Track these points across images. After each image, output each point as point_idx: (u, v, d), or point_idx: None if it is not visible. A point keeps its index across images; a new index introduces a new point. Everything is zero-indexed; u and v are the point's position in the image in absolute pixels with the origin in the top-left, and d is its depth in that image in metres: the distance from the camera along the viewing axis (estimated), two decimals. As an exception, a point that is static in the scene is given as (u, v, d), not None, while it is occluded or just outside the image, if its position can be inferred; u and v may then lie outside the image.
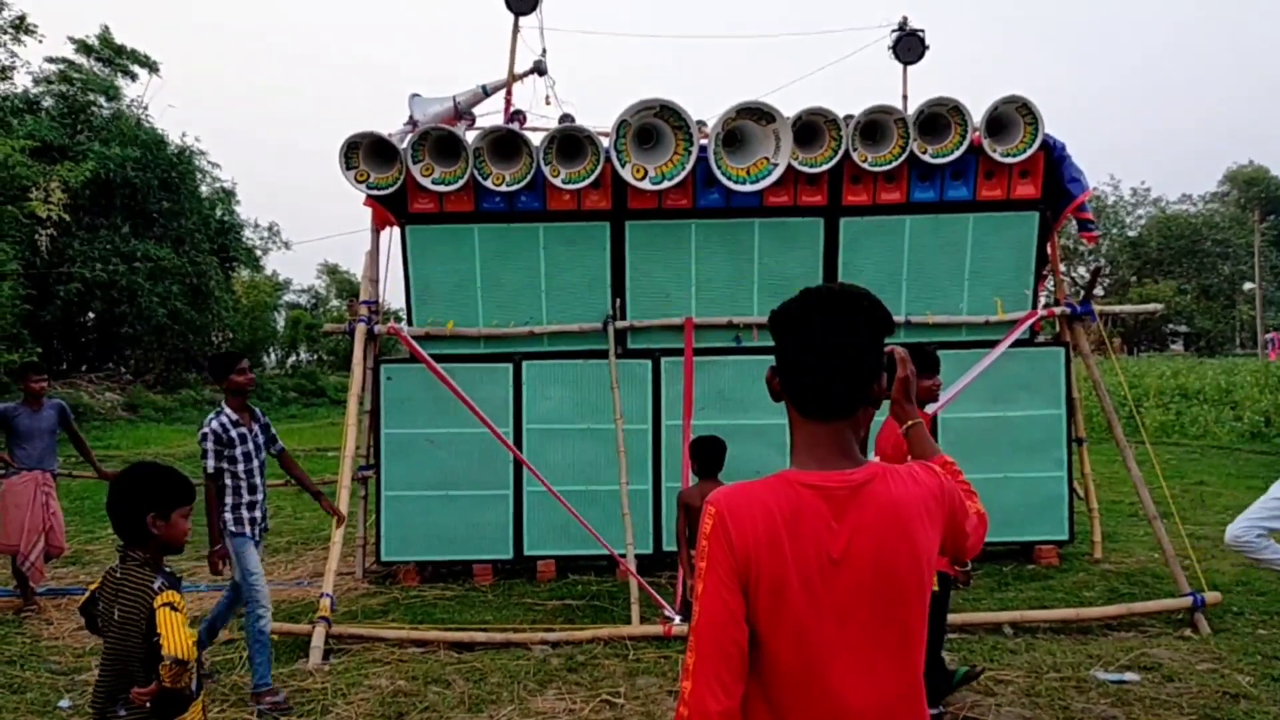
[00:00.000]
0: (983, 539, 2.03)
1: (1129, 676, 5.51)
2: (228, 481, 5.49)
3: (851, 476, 1.74)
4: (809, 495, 1.72)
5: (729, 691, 1.66)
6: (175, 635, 2.98)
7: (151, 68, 29.96)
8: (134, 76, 29.74)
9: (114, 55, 28.86)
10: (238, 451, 5.52)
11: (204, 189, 32.86)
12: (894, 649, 1.75)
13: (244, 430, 5.59)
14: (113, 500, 3.15)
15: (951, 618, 5.73)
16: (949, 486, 1.90)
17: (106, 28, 28.82)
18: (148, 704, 3.04)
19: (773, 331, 1.86)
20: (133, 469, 3.27)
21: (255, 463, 5.62)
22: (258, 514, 5.63)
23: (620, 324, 8.09)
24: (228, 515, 5.49)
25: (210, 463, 5.44)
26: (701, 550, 1.72)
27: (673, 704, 5.19)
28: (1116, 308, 11.85)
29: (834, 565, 1.70)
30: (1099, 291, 45.39)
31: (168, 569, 3.21)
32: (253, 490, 5.59)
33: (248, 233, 37.70)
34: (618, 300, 8.15)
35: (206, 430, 5.46)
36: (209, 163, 33.27)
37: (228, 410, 5.58)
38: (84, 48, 28.22)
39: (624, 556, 7.08)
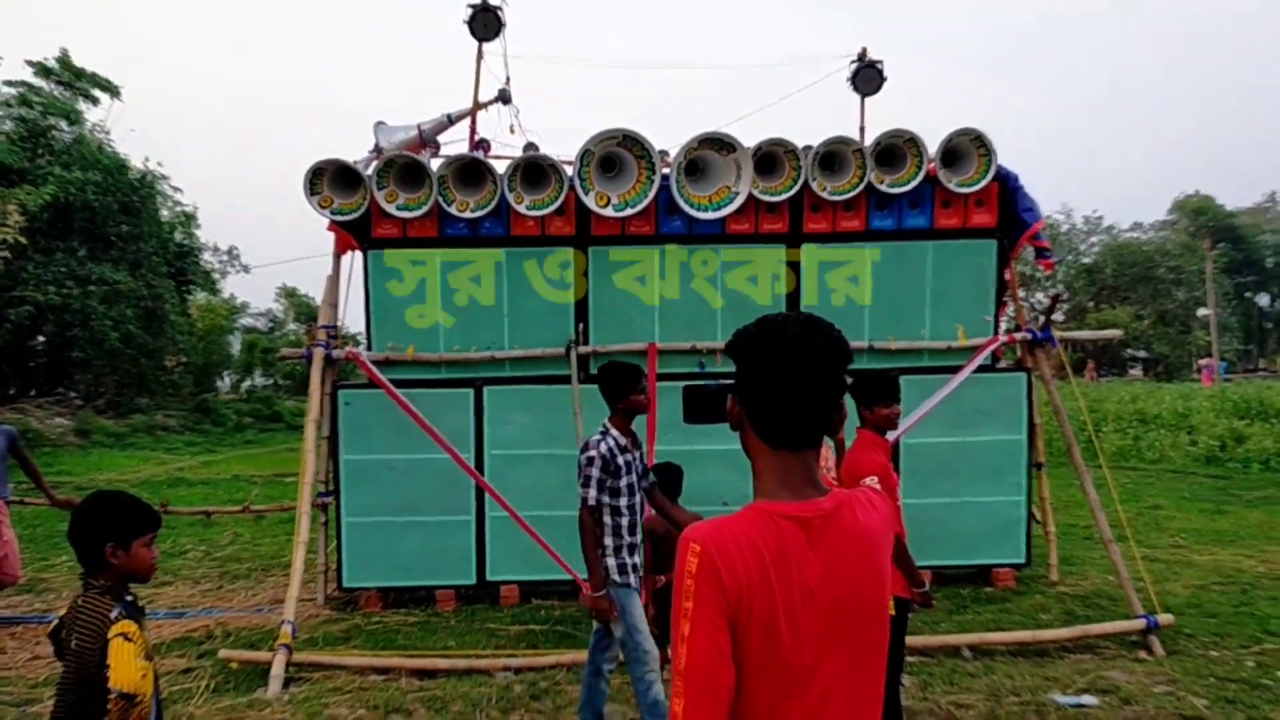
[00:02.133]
0: None
1: (1087, 700, 5.58)
2: (607, 519, 4.78)
3: (823, 505, 1.73)
4: (789, 527, 1.69)
5: None
6: (124, 667, 2.90)
7: (113, 91, 29.70)
8: (95, 100, 29.48)
9: (74, 79, 28.59)
10: (622, 483, 4.78)
11: (164, 213, 32.59)
12: (866, 676, 1.76)
13: (630, 458, 4.84)
14: (73, 529, 3.10)
15: (911, 640, 5.79)
16: (895, 513, 1.95)
17: (65, 51, 28.55)
18: None
19: (736, 359, 1.81)
20: (93, 498, 3.21)
21: (638, 497, 4.91)
22: (638, 559, 4.90)
23: (583, 349, 8.12)
24: (610, 561, 4.78)
25: (592, 493, 4.73)
26: (687, 590, 1.66)
27: (636, 730, 5.19)
28: (1076, 334, 12.03)
29: (811, 594, 1.69)
30: (1059, 317, 46.03)
31: (130, 597, 3.16)
32: (633, 530, 4.86)
33: (207, 256, 37.39)
34: (580, 325, 8.18)
35: (594, 454, 4.68)
36: (171, 186, 33.04)
37: (614, 432, 4.82)
38: (43, 70, 27.93)
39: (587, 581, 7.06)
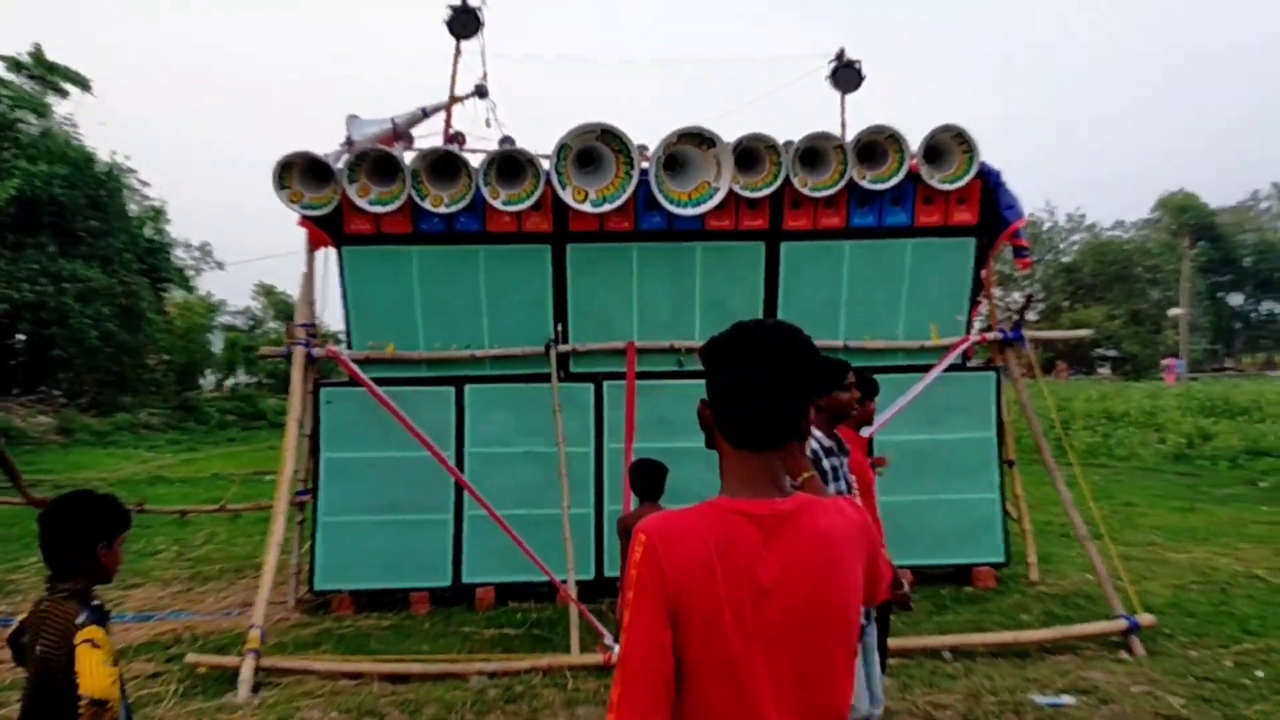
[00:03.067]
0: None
1: (1065, 700, 5.55)
2: None
3: (781, 505, 1.74)
4: (741, 522, 1.71)
5: None
6: (92, 674, 2.87)
7: (83, 85, 29.40)
8: (65, 94, 29.18)
9: (45, 72, 28.29)
10: (830, 490, 4.14)
11: (132, 207, 32.27)
12: (820, 679, 1.74)
13: (836, 462, 4.28)
14: (56, 529, 3.05)
15: (891, 642, 5.73)
16: (869, 523, 1.90)
17: (39, 45, 28.27)
18: None
19: (707, 363, 1.86)
20: (76, 498, 3.15)
21: None
22: None
23: (562, 347, 8.04)
24: None
25: None
26: (630, 579, 1.70)
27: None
28: (1047, 333, 12.05)
29: (764, 594, 1.69)
30: (1033, 316, 46.31)
31: (96, 602, 3.10)
32: None
33: (178, 252, 37.08)
34: (559, 324, 8.09)
35: None
36: (138, 181, 32.72)
37: (817, 434, 4.25)
38: (15, 65, 27.62)
39: (565, 582, 7.00)
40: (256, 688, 5.89)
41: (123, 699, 3.11)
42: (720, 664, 1.67)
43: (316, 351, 7.81)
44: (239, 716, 5.48)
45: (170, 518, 11.93)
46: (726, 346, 1.81)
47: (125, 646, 6.82)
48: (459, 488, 7.82)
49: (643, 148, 7.72)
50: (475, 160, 7.67)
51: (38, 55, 28.07)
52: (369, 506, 7.87)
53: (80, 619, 2.95)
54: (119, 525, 3.13)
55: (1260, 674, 5.94)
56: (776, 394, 1.76)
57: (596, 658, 6.27)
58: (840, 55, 9.29)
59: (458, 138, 8.84)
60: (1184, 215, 59.13)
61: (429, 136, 8.92)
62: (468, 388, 8.06)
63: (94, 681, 2.87)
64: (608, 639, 6.44)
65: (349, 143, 8.14)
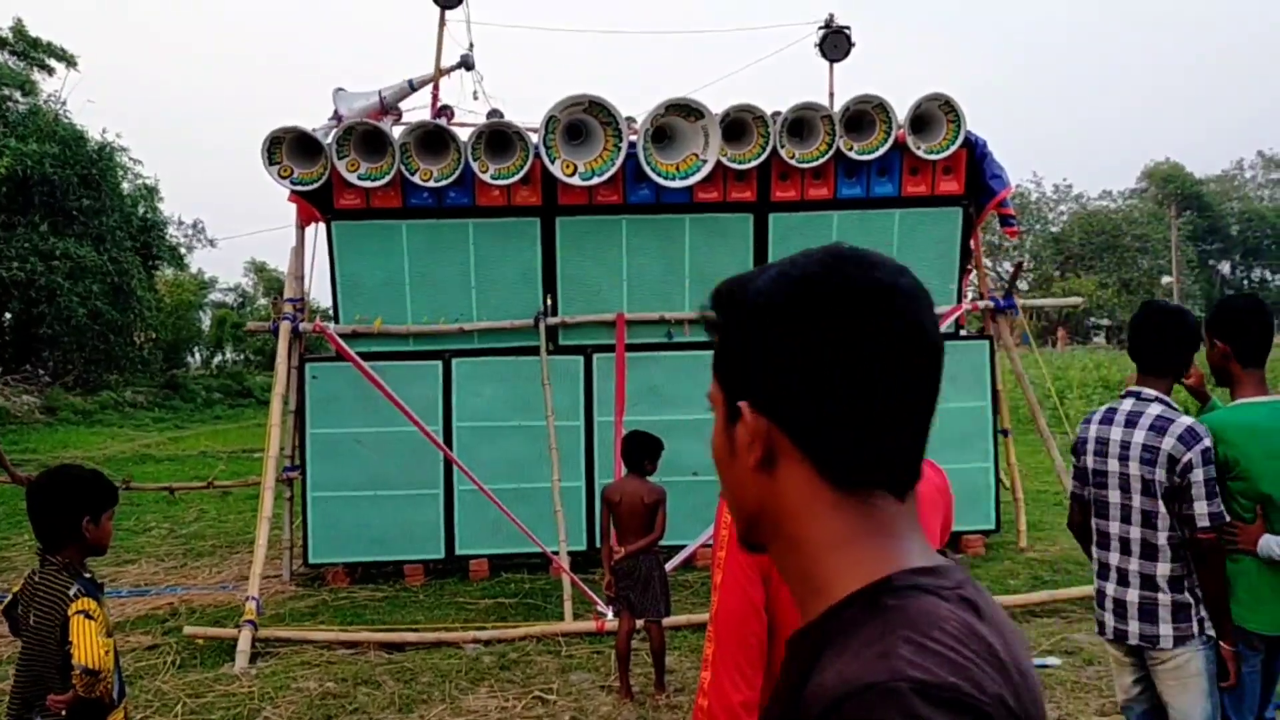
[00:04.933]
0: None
1: (1051, 661, 5.64)
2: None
3: None
4: None
5: (750, 683, 1.66)
6: (87, 644, 2.94)
7: (69, 62, 29.12)
8: (51, 71, 28.90)
9: (29, 48, 28.00)
10: None
11: (125, 186, 32.02)
12: None
13: None
14: (43, 503, 3.11)
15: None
16: (948, 487, 1.91)
17: (20, 20, 27.95)
18: (63, 712, 2.99)
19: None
20: (61, 472, 3.23)
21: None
22: None
23: (551, 320, 8.05)
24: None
25: (1217, 506, 3.08)
26: (721, 540, 1.71)
27: (605, 699, 5.20)
28: (1039, 301, 12.13)
29: None
30: (1024, 286, 46.40)
31: (88, 574, 3.16)
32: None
33: (171, 230, 36.85)
34: (549, 296, 8.11)
35: (1209, 443, 3.09)
36: (130, 159, 32.42)
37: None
38: (-2, 40, 27.37)
39: (557, 554, 7.06)
40: (254, 658, 5.95)
41: (117, 670, 3.17)
42: None
43: (303, 326, 7.83)
44: (238, 685, 5.54)
45: (160, 495, 11.96)
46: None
47: (122, 621, 6.88)
48: (448, 462, 7.85)
49: (631, 120, 7.72)
50: (463, 134, 7.67)
51: (20, 30, 27.77)
52: (359, 482, 7.89)
53: (72, 591, 3.02)
54: (105, 500, 3.17)
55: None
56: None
57: (589, 625, 6.34)
58: (829, 22, 9.26)
59: (445, 111, 8.83)
60: (1170, 185, 59.14)
61: (416, 109, 8.90)
62: (455, 361, 8.07)
63: (88, 652, 2.93)
64: (600, 606, 6.51)
65: (337, 117, 8.13)
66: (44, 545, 3.13)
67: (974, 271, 8.79)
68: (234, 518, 11.14)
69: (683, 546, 7.39)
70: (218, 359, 44.38)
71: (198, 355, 43.75)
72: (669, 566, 6.39)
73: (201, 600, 7.50)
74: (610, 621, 6.24)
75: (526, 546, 7.52)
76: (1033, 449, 13.06)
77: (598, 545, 7.99)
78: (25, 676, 3.07)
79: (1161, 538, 3.13)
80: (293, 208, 8.06)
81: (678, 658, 5.81)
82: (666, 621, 5.33)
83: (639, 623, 5.20)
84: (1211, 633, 3.14)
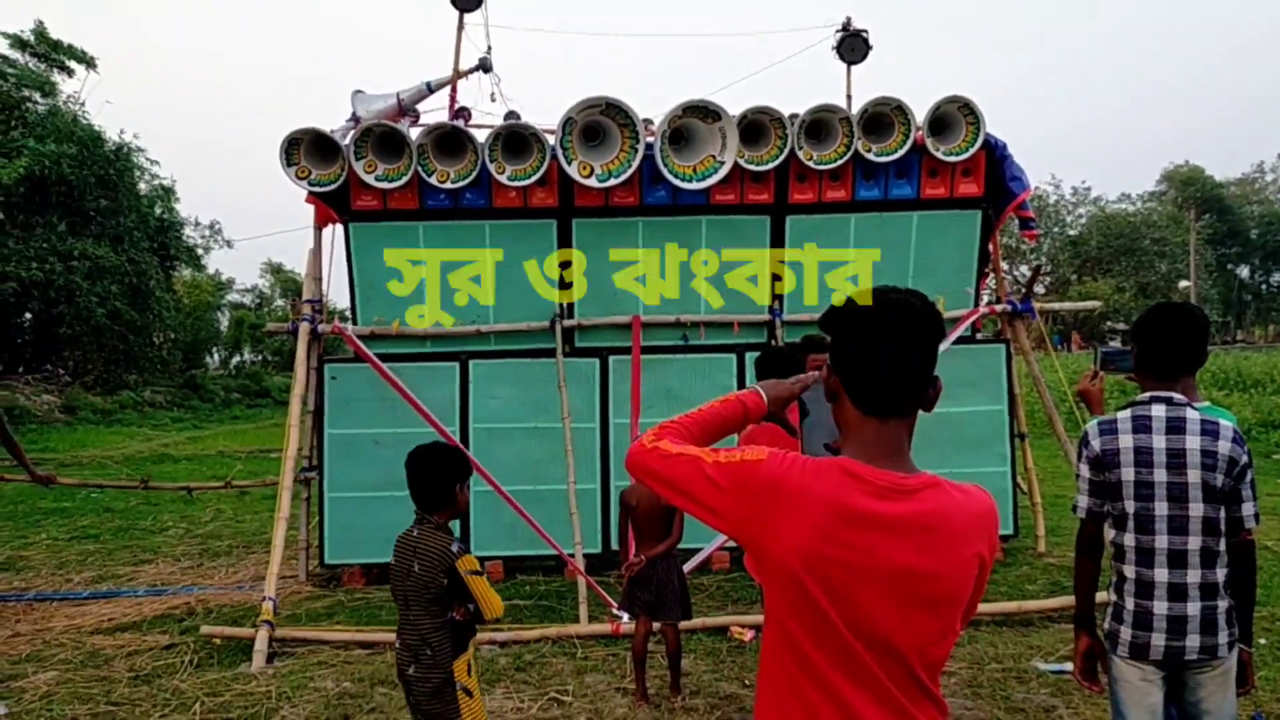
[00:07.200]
0: None
1: (1069, 667, 5.58)
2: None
3: (903, 481, 1.74)
4: (853, 484, 1.72)
5: (675, 436, 2.09)
6: (489, 598, 3.46)
7: (89, 64, 29.37)
8: (70, 72, 29.15)
9: (50, 50, 28.24)
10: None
11: (142, 186, 32.27)
12: (903, 673, 1.74)
13: None
14: (426, 471, 3.57)
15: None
16: (995, 514, 1.89)
17: (41, 23, 28.21)
18: (459, 619, 3.52)
19: (839, 328, 1.82)
20: (435, 447, 3.65)
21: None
22: None
23: (568, 322, 8.06)
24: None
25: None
26: (739, 446, 1.86)
27: (621, 701, 5.19)
28: (1056, 305, 12.02)
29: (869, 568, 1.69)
30: (1040, 289, 46.20)
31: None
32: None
33: (188, 231, 37.10)
34: (565, 298, 8.10)
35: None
36: (147, 159, 32.68)
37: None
38: (18, 43, 27.58)
39: (572, 556, 7.05)
40: (271, 658, 5.97)
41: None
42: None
43: (322, 328, 7.85)
44: (255, 685, 5.55)
45: (178, 495, 12.01)
46: (859, 313, 1.78)
47: (139, 620, 6.92)
48: (466, 463, 7.84)
49: (647, 121, 7.72)
50: (480, 135, 7.68)
51: (41, 33, 28.02)
52: (375, 483, 7.88)
53: (455, 547, 3.46)
54: (467, 470, 3.67)
55: (1263, 641, 5.98)
56: (914, 362, 1.78)
57: (605, 627, 6.33)
58: (846, 25, 9.24)
59: (463, 113, 8.85)
60: (1189, 188, 58.78)
61: (434, 112, 8.93)
62: (473, 363, 8.08)
63: (492, 605, 3.47)
64: (615, 609, 6.50)
65: (355, 119, 8.16)
66: (422, 507, 3.58)
67: (992, 274, 8.73)
68: (251, 518, 11.19)
69: (699, 549, 7.38)
70: (236, 359, 44.68)
71: (216, 356, 44.06)
72: (686, 569, 6.38)
73: (218, 600, 7.52)
74: (626, 625, 6.24)
75: (542, 548, 7.52)
76: (1050, 453, 13.01)
77: (613, 547, 7.99)
78: (415, 615, 3.49)
79: (1223, 543, 3.08)
80: (310, 209, 8.10)
81: (694, 661, 5.80)
82: (682, 625, 5.32)
83: (655, 625, 5.19)
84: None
